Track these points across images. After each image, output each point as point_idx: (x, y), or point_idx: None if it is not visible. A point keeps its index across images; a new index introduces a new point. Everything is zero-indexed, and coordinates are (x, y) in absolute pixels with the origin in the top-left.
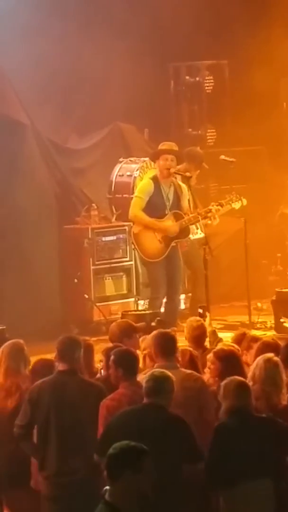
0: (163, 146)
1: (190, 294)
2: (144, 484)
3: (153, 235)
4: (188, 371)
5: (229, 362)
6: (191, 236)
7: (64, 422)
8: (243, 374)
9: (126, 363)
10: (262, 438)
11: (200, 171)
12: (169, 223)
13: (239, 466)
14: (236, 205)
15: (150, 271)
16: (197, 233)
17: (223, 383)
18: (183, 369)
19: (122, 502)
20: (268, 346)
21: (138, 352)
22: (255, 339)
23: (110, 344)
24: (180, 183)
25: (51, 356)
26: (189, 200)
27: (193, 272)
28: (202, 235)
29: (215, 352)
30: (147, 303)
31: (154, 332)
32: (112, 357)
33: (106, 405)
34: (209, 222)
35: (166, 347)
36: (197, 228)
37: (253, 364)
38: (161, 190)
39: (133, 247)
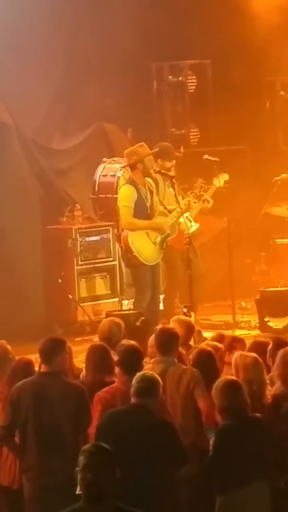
0: (141, 149)
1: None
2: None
3: (147, 239)
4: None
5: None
6: (188, 232)
7: (43, 423)
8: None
9: (124, 358)
10: (259, 439)
11: (176, 160)
12: (160, 220)
13: (240, 469)
14: (220, 182)
15: (138, 273)
16: (191, 226)
17: (216, 383)
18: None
19: None
20: (260, 345)
21: None
22: (237, 339)
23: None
24: (148, 179)
25: (35, 356)
26: (175, 196)
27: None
28: (197, 225)
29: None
30: (132, 303)
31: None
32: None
33: (100, 397)
34: (204, 205)
35: (164, 342)
36: (190, 222)
37: (239, 365)
38: (141, 193)
39: (132, 254)
